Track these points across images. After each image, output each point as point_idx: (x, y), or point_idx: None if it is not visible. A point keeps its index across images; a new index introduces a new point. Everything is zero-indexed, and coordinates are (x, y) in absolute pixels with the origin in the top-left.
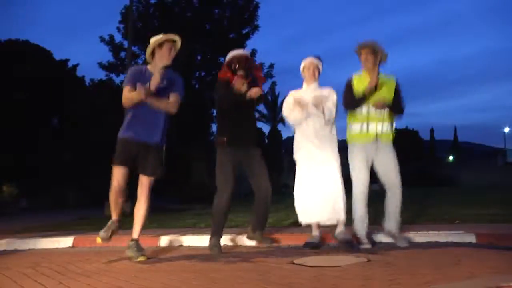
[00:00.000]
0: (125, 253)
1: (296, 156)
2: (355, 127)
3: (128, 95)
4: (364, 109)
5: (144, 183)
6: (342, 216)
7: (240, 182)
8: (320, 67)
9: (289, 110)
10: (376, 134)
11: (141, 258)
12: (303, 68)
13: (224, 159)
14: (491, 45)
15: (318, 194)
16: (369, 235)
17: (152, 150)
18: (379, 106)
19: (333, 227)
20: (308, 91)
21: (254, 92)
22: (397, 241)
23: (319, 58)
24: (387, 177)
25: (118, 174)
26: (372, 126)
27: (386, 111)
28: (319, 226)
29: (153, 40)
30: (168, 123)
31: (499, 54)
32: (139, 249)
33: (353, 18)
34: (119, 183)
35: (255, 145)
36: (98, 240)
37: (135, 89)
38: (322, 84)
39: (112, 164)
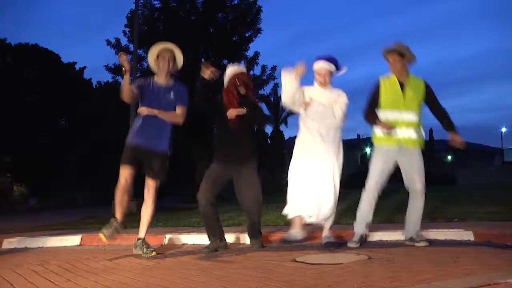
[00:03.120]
0: (133, 252)
1: (296, 151)
2: (379, 131)
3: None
4: (390, 114)
5: (150, 186)
6: (328, 221)
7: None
8: (333, 70)
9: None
10: (401, 139)
11: (153, 253)
12: (315, 71)
13: (213, 167)
14: (489, 46)
15: (309, 192)
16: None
17: (158, 156)
18: (386, 128)
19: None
20: (318, 92)
21: (230, 114)
22: (416, 244)
23: (332, 59)
24: (410, 181)
25: (125, 173)
26: (397, 131)
27: (416, 116)
28: (303, 225)
29: (149, 54)
30: (173, 131)
31: (497, 55)
32: (148, 246)
33: (351, 19)
34: (126, 182)
35: (247, 162)
36: (102, 237)
37: (136, 90)
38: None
39: (120, 164)
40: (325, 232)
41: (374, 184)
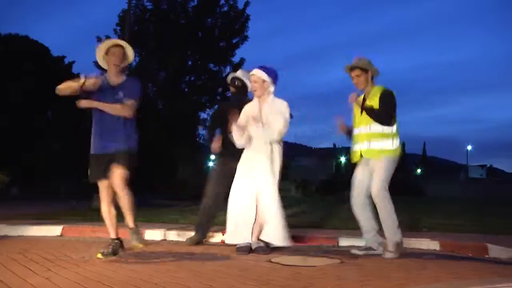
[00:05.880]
0: (131, 244)
1: (238, 168)
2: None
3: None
4: (354, 131)
5: (114, 176)
6: (257, 228)
7: None
8: (266, 77)
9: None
10: (361, 153)
11: (141, 246)
12: (251, 80)
13: (218, 169)
14: (473, 53)
15: (247, 213)
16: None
17: (119, 155)
18: (352, 99)
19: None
20: (258, 105)
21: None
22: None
23: (265, 68)
24: (371, 189)
25: (102, 187)
26: (357, 146)
27: (375, 127)
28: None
29: (97, 51)
30: (134, 126)
31: (480, 64)
32: (138, 236)
33: (321, 17)
34: (107, 194)
35: None
36: (99, 255)
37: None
38: (298, 84)
39: (95, 181)
40: (254, 238)
41: (355, 196)
